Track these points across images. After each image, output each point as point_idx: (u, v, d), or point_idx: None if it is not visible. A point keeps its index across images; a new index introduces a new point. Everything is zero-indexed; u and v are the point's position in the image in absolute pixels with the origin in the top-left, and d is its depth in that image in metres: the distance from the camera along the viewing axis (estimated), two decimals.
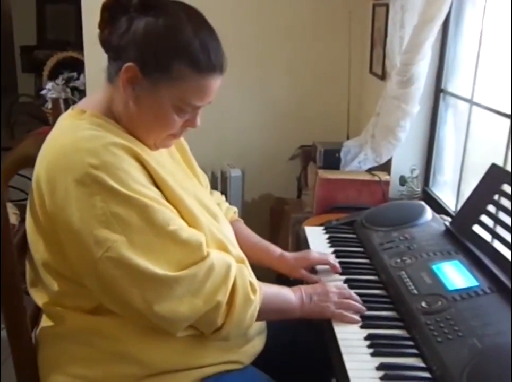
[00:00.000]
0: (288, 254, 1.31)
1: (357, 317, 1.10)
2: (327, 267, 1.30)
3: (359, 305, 1.13)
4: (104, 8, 0.99)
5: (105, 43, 1.00)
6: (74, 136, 0.95)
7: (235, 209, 1.39)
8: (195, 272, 0.93)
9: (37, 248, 0.99)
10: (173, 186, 0.99)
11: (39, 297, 1.04)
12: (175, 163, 1.17)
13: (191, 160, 1.25)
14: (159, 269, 0.90)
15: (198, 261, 0.95)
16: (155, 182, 0.97)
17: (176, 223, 0.95)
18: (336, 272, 1.29)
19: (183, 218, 0.99)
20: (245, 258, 1.09)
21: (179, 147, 1.22)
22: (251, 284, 1.02)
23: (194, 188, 1.14)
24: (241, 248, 1.14)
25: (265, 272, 1.11)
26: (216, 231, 1.05)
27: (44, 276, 1.00)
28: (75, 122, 0.99)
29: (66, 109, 1.31)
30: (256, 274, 1.08)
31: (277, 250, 1.33)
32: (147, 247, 0.91)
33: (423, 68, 1.84)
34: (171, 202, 0.98)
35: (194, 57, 0.96)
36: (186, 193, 1.03)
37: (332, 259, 1.31)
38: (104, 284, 0.91)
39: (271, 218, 2.71)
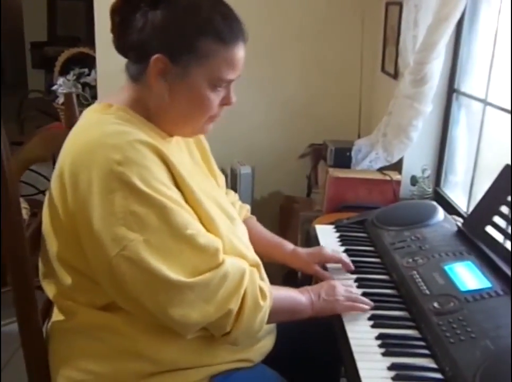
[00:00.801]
0: (301, 250, 1.32)
1: (367, 306, 1.11)
2: (338, 265, 1.30)
3: (366, 299, 1.13)
4: (114, 12, 0.99)
5: (123, 45, 1.01)
6: (100, 130, 0.95)
7: (248, 207, 1.39)
8: (209, 280, 0.93)
9: (53, 241, 0.99)
10: (194, 189, 0.98)
11: (51, 291, 1.04)
12: (195, 163, 1.17)
13: (210, 160, 1.25)
14: (172, 274, 0.89)
15: (214, 268, 0.94)
16: (177, 183, 0.97)
17: (194, 228, 0.94)
18: (349, 271, 1.28)
19: (201, 222, 0.98)
20: (260, 262, 1.08)
21: (199, 146, 1.22)
22: (261, 290, 1.01)
23: (212, 189, 1.13)
24: (254, 244, 1.14)
25: (273, 270, 1.11)
26: (233, 237, 1.05)
27: (58, 269, 0.99)
28: (101, 116, 0.99)
29: (78, 104, 1.32)
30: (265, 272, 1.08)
31: (290, 245, 1.33)
32: (163, 249, 0.90)
33: (437, 67, 1.83)
34: (190, 205, 0.97)
35: (218, 31, 0.97)
36: (205, 195, 1.02)
37: (345, 257, 1.31)
38: (117, 282, 0.91)
39: (280, 216, 2.70)
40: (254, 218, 1.38)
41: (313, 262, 1.28)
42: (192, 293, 0.91)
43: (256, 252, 1.13)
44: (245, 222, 1.26)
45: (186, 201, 0.97)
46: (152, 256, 0.89)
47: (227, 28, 0.98)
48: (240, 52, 1.00)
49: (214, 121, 1.07)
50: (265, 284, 1.04)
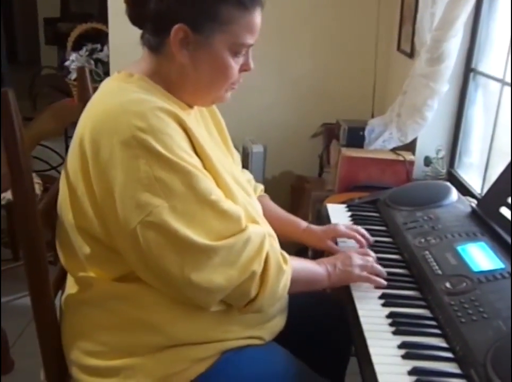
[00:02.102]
0: (315, 227, 1.32)
1: (382, 280, 1.12)
2: (350, 242, 1.30)
3: (381, 268, 1.15)
4: None
5: (139, 16, 1.00)
6: (122, 98, 0.94)
7: (262, 187, 1.39)
8: (233, 244, 0.93)
9: (71, 212, 0.99)
10: (213, 158, 0.99)
11: (67, 262, 1.05)
12: (212, 139, 1.16)
13: (227, 137, 1.24)
14: (198, 238, 0.90)
15: (237, 233, 0.95)
16: (196, 151, 0.97)
17: (217, 194, 0.95)
18: (364, 246, 1.28)
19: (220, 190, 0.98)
20: (274, 235, 1.08)
21: (217, 124, 1.22)
22: (282, 255, 1.02)
23: (229, 165, 1.14)
24: (268, 221, 1.14)
25: (284, 247, 1.11)
26: (250, 207, 1.05)
27: (76, 239, 1.00)
28: (122, 85, 0.99)
29: (91, 80, 1.31)
30: None
31: (303, 222, 1.33)
32: (188, 214, 0.90)
33: (454, 45, 1.79)
34: (210, 173, 0.97)
35: None
36: (223, 168, 1.02)
37: (360, 233, 1.31)
38: (141, 250, 0.90)
39: (292, 196, 2.69)
40: (267, 197, 1.38)
41: (327, 238, 1.29)
42: (217, 257, 0.92)
43: (271, 228, 1.13)
44: (259, 199, 1.26)
45: (205, 169, 0.97)
46: (177, 221, 0.89)
47: None
48: (258, 16, 1.01)
49: (234, 89, 1.07)
50: (285, 253, 1.05)
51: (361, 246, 1.28)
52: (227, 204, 0.95)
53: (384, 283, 1.13)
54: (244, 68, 1.05)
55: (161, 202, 0.89)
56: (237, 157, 1.29)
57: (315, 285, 1.13)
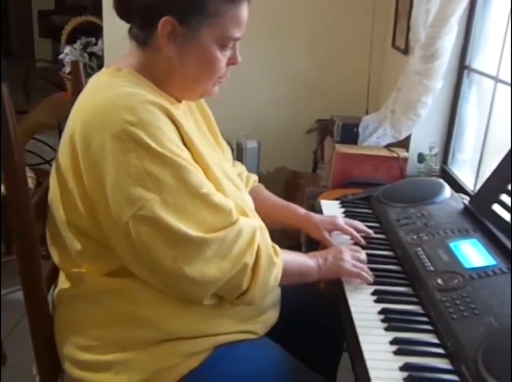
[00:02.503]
0: (314, 214, 1.33)
1: (370, 277, 1.13)
2: (345, 237, 1.30)
3: (369, 271, 1.16)
4: None
5: (127, 10, 0.99)
6: (111, 92, 0.94)
7: (255, 177, 1.39)
8: (225, 236, 0.94)
9: (62, 207, 0.99)
10: (202, 152, 0.99)
11: (58, 258, 1.04)
12: (201, 134, 1.17)
13: (216, 132, 1.25)
14: (190, 230, 0.90)
15: (228, 225, 0.95)
16: (186, 145, 0.97)
17: (208, 187, 0.95)
18: (359, 241, 1.29)
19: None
20: (265, 227, 1.09)
21: (205, 118, 1.22)
22: (273, 247, 1.03)
23: (219, 160, 1.14)
24: (265, 208, 1.15)
25: (277, 241, 1.11)
26: (239, 200, 1.06)
27: (67, 235, 1.00)
28: (112, 79, 0.99)
29: (84, 74, 1.30)
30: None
31: (302, 209, 1.34)
32: (180, 208, 0.91)
33: (449, 42, 1.80)
34: (199, 166, 0.98)
35: None
36: (212, 162, 1.02)
37: (358, 229, 1.32)
38: (134, 244, 0.90)
39: (286, 191, 2.69)
40: (262, 186, 1.38)
41: (324, 229, 1.29)
42: (209, 249, 0.92)
43: (267, 215, 1.14)
44: (254, 189, 1.27)
45: (195, 162, 0.97)
46: (169, 214, 0.89)
47: None
48: (245, 10, 1.01)
49: (221, 83, 1.07)
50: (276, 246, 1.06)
51: (356, 243, 1.29)
52: (218, 197, 0.96)
53: (371, 280, 1.13)
54: (232, 61, 1.05)
55: (153, 196, 0.89)
56: (228, 151, 1.29)
57: (306, 277, 1.13)
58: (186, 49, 0.98)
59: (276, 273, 1.02)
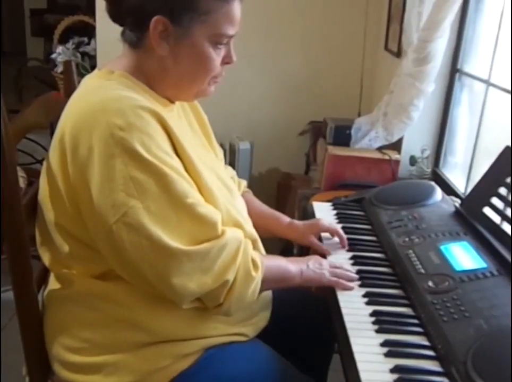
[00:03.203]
0: (298, 222, 1.33)
1: (352, 284, 1.12)
2: (334, 241, 1.30)
3: (351, 274, 1.15)
4: None
5: (119, 12, 0.99)
6: (102, 95, 0.93)
7: (244, 183, 1.39)
8: (208, 250, 0.93)
9: (51, 209, 0.98)
10: (194, 158, 0.98)
11: (48, 259, 1.04)
12: (194, 134, 1.16)
13: (209, 133, 1.24)
14: (171, 241, 0.89)
15: (212, 238, 0.94)
16: (177, 151, 0.96)
17: (194, 197, 0.94)
18: (343, 247, 1.29)
19: (200, 193, 0.97)
20: (257, 238, 1.08)
21: (199, 119, 1.22)
22: (253, 261, 1.01)
23: (211, 161, 1.13)
24: (251, 217, 1.14)
25: (270, 246, 1.11)
26: (232, 207, 1.05)
27: (56, 237, 0.99)
28: (103, 82, 0.98)
29: (77, 74, 1.30)
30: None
31: (286, 218, 1.34)
32: (162, 217, 0.89)
33: (441, 46, 1.80)
34: (190, 174, 0.97)
35: None
36: (204, 166, 1.02)
37: (341, 232, 1.32)
38: (117, 249, 0.90)
39: (278, 193, 2.70)
40: (250, 193, 1.38)
41: (310, 233, 1.29)
42: (190, 262, 0.91)
43: (255, 225, 1.13)
44: (242, 196, 1.26)
45: (186, 170, 0.96)
46: (151, 223, 0.88)
47: None
48: (238, 6, 1.00)
49: (217, 83, 1.07)
50: (258, 255, 1.04)
51: (343, 245, 1.29)
52: (203, 208, 0.94)
53: (352, 286, 1.12)
54: (226, 60, 1.04)
55: (135, 202, 0.88)
56: (220, 153, 1.28)
57: (286, 283, 1.11)
58: (179, 48, 0.98)
59: (255, 286, 1.00)
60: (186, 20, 0.96)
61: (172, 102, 1.07)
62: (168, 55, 0.98)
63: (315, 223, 1.32)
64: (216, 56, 1.01)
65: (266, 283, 1.04)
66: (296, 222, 1.33)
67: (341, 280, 1.13)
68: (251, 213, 1.18)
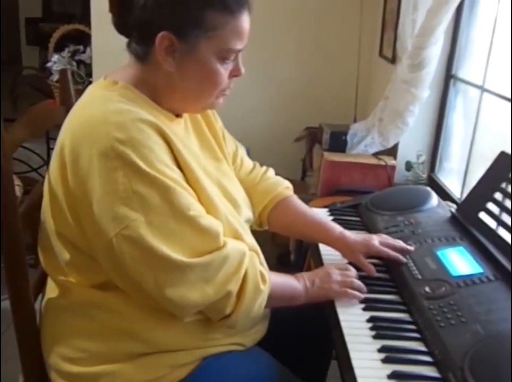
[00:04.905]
0: (349, 235, 1.23)
1: (360, 294, 1.10)
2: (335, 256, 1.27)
3: (361, 284, 1.12)
4: None
5: (124, 25, 0.98)
6: (103, 107, 0.93)
7: (286, 183, 1.33)
8: (210, 261, 0.92)
9: (52, 218, 0.98)
10: (196, 170, 0.97)
11: (48, 266, 1.04)
12: (204, 147, 1.14)
13: (221, 141, 1.20)
14: (173, 254, 0.89)
15: (214, 250, 0.93)
16: (179, 164, 0.96)
17: (196, 209, 0.94)
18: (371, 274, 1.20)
19: (201, 203, 0.97)
20: (258, 249, 1.08)
21: (211, 127, 1.19)
22: (261, 274, 1.00)
23: (218, 172, 1.11)
24: (295, 223, 1.13)
25: (266, 253, 1.10)
26: (233, 219, 1.04)
27: (56, 245, 0.99)
28: (106, 92, 0.97)
29: (73, 82, 1.30)
30: None
31: (337, 228, 1.26)
32: (164, 229, 0.89)
33: (435, 52, 1.82)
34: (192, 186, 0.96)
35: (223, 2, 0.95)
36: (208, 178, 1.01)
37: (397, 248, 1.22)
38: (117, 262, 0.90)
39: None
40: (295, 197, 1.32)
41: (360, 252, 1.21)
42: (192, 274, 0.91)
43: (298, 233, 1.11)
44: (282, 202, 1.25)
45: (187, 182, 0.96)
46: (153, 236, 0.88)
47: None
48: (246, 20, 0.99)
49: (225, 95, 1.06)
50: (265, 269, 1.04)
51: (394, 263, 1.20)
52: (206, 220, 0.94)
53: (361, 296, 1.10)
54: (234, 73, 1.03)
55: (138, 216, 0.87)
56: (238, 156, 1.27)
57: (292, 302, 1.10)
58: (185, 64, 0.97)
59: (262, 300, 1.00)
60: (192, 36, 0.95)
61: (179, 115, 1.06)
62: (174, 70, 0.97)
63: (367, 243, 1.22)
64: (224, 71, 1.00)
65: (271, 300, 1.03)
66: (347, 234, 1.24)
67: (349, 291, 1.10)
68: (296, 218, 1.15)
